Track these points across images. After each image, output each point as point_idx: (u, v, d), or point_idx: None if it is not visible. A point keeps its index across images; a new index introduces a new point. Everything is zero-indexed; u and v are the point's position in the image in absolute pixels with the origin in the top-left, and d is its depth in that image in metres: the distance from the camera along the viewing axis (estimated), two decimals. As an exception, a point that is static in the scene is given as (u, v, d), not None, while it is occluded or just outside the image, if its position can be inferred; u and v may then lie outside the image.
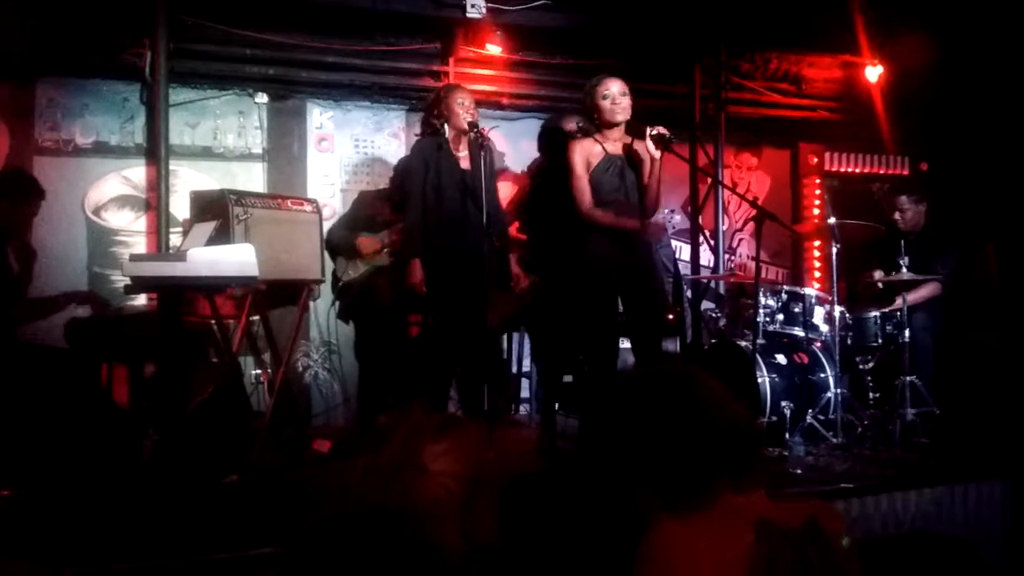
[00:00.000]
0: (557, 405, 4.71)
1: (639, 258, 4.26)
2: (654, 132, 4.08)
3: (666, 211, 6.64)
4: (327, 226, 5.26)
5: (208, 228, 4.43)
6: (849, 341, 4.80)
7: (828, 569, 1.37)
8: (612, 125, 4.21)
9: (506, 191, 5.98)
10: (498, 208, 4.63)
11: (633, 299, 4.23)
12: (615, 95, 4.16)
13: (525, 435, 5.13)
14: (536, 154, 5.49)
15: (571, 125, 4.76)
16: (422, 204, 4.35)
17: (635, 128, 4.24)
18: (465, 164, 4.38)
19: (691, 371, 1.51)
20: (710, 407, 1.46)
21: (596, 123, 4.25)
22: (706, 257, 6.74)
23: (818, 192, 7.32)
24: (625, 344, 4.56)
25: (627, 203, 4.22)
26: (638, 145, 4.24)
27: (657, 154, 4.13)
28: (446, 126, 4.41)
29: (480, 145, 4.25)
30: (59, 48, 5.17)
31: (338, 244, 5.20)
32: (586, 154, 4.22)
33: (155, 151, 5.22)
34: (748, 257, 7.06)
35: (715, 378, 1.50)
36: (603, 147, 4.23)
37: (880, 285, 5.09)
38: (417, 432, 1.50)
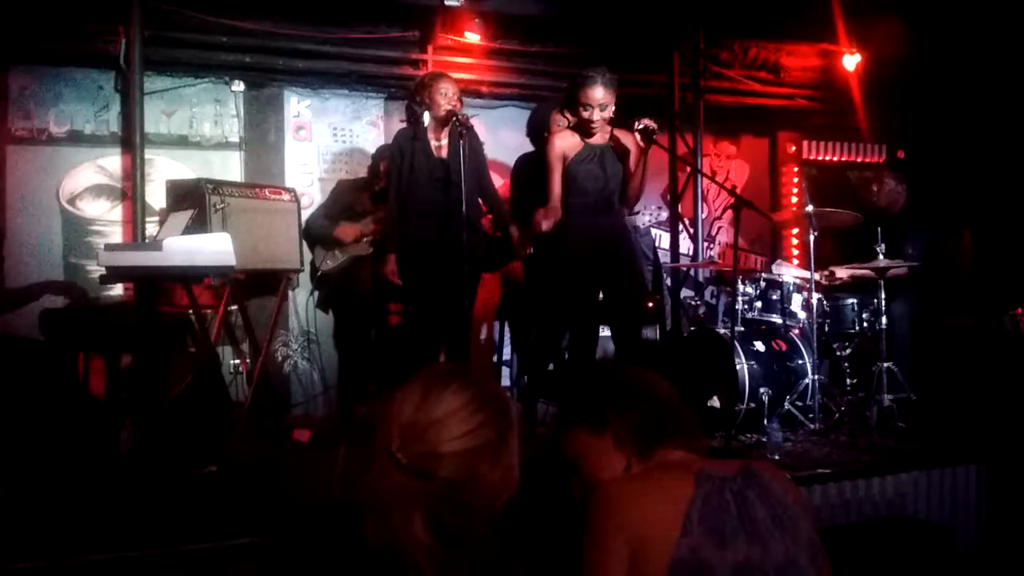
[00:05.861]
0: (538, 393, 4.72)
1: (618, 247, 4.26)
2: (641, 126, 4.02)
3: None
4: (305, 215, 5.24)
5: (184, 217, 4.40)
6: (827, 328, 4.82)
7: (769, 505, 1.68)
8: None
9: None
10: (492, 192, 4.61)
11: (612, 287, 4.24)
12: (595, 108, 4.08)
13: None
14: (516, 143, 5.48)
15: (556, 122, 4.67)
16: (396, 195, 4.33)
17: (620, 118, 4.20)
18: (444, 153, 4.33)
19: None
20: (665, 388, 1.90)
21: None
22: (685, 245, 6.76)
23: (796, 180, 7.37)
24: (605, 332, 4.59)
25: (603, 194, 4.21)
26: (623, 136, 4.21)
27: (644, 147, 4.10)
28: (427, 114, 4.34)
29: (459, 134, 4.15)
30: (32, 36, 5.09)
31: (317, 233, 5.18)
32: (564, 148, 4.18)
33: (130, 140, 5.17)
34: (727, 245, 7.10)
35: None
36: (582, 138, 4.20)
37: (842, 277, 5.08)
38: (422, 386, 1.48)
